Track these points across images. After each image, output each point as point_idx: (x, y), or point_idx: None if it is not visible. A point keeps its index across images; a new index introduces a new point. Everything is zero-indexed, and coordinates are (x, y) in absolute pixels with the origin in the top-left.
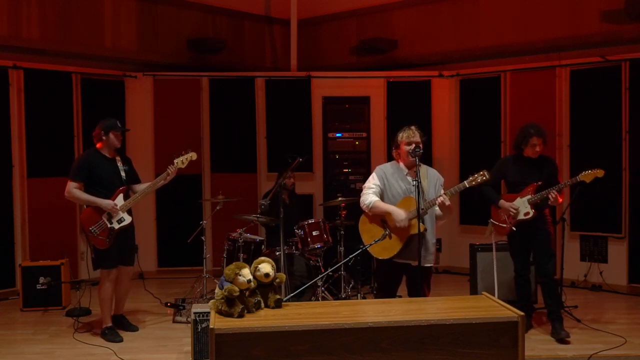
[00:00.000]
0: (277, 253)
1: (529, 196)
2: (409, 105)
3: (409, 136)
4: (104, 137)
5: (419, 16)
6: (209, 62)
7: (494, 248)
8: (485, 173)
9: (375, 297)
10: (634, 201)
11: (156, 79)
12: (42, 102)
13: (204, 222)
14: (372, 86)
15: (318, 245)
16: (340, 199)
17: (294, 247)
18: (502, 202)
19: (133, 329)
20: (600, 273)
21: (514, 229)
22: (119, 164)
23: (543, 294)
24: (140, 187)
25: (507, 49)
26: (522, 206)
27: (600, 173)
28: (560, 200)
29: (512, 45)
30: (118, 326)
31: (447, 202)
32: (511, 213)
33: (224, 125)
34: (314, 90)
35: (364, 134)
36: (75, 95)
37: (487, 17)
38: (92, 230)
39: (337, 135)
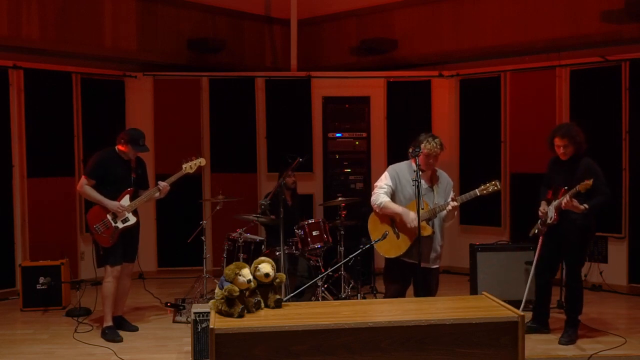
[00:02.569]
0: (277, 253)
1: (555, 201)
2: (409, 105)
3: (431, 149)
4: (122, 143)
5: (419, 16)
6: (209, 62)
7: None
8: (497, 183)
9: (385, 295)
10: (634, 201)
11: (156, 79)
12: (42, 102)
13: (204, 222)
14: (372, 86)
15: (318, 245)
16: (340, 199)
17: (294, 247)
18: (542, 203)
19: (133, 329)
20: (600, 273)
21: (539, 230)
22: (133, 166)
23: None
24: (142, 193)
25: (507, 49)
26: (550, 211)
27: (589, 184)
28: (576, 205)
29: (512, 45)
30: (118, 327)
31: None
32: (540, 215)
33: (224, 125)
34: (314, 90)
35: (364, 134)
36: (75, 95)
37: (487, 17)
38: (96, 228)
39: (337, 135)
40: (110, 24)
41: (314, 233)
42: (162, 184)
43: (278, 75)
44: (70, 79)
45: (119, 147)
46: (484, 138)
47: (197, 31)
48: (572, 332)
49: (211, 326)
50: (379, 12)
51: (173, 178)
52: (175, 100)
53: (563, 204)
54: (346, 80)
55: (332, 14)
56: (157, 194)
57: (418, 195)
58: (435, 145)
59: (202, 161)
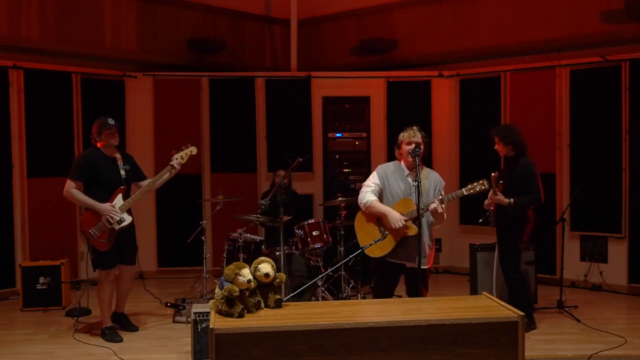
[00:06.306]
0: (277, 253)
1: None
2: (409, 105)
3: (410, 136)
4: (97, 138)
5: (419, 16)
6: (209, 62)
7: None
8: (485, 182)
9: (373, 297)
10: (634, 201)
11: (156, 79)
12: (42, 102)
13: (204, 222)
14: (372, 86)
15: (318, 245)
16: (340, 199)
17: (294, 247)
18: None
19: (133, 328)
20: (600, 273)
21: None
22: (120, 163)
23: None
24: (144, 183)
25: (507, 49)
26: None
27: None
28: (501, 198)
29: (512, 45)
30: (118, 324)
31: (440, 210)
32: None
33: (224, 125)
34: (314, 90)
35: (364, 134)
36: (75, 95)
37: (487, 17)
38: (92, 233)
39: (337, 135)
40: (110, 24)
41: (314, 233)
42: (175, 162)
43: (278, 75)
44: (70, 79)
45: (99, 145)
46: (484, 138)
47: (197, 31)
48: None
49: (211, 326)
50: (379, 12)
51: (170, 171)
52: (175, 100)
53: (489, 198)
54: (346, 80)
55: (332, 14)
56: (168, 175)
57: (418, 195)
58: (412, 132)
59: (193, 150)
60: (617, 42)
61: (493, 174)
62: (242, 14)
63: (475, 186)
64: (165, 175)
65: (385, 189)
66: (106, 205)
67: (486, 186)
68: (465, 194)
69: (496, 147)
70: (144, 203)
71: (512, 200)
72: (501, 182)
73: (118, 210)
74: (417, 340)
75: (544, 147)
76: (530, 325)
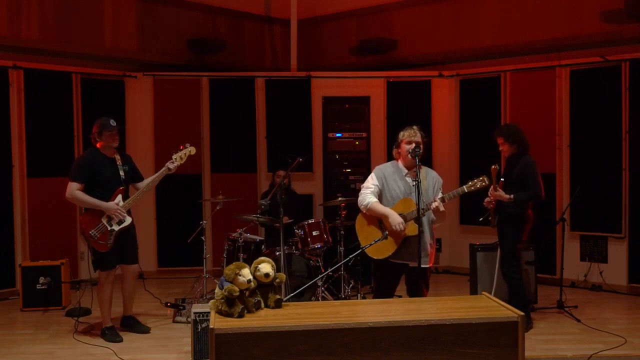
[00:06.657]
0: (277, 253)
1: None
2: (409, 105)
3: (410, 135)
4: (98, 139)
5: (419, 16)
6: (209, 62)
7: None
8: (485, 179)
9: (373, 297)
10: (634, 201)
11: (156, 79)
12: (42, 102)
13: (204, 222)
14: (372, 86)
15: (318, 245)
16: (340, 199)
17: (294, 247)
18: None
19: (144, 329)
20: (600, 273)
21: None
22: (119, 164)
23: None
24: (142, 184)
25: (507, 49)
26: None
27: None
28: (501, 194)
29: (512, 45)
30: (128, 327)
31: (441, 208)
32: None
33: (224, 125)
34: (314, 90)
35: (364, 134)
36: (75, 95)
37: (487, 17)
38: (93, 234)
39: (337, 135)
40: (110, 24)
41: (314, 233)
42: (171, 164)
43: (278, 75)
44: (70, 79)
45: (99, 145)
46: (484, 138)
47: (197, 31)
48: None
49: (211, 326)
50: (379, 12)
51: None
52: (175, 100)
53: (489, 194)
54: (346, 80)
55: (332, 14)
56: (166, 173)
57: (418, 195)
58: (413, 131)
59: (192, 150)
60: (617, 42)
61: (493, 167)
62: (242, 14)
63: (476, 183)
64: (159, 179)
65: (384, 189)
66: (112, 204)
67: (486, 182)
68: (466, 191)
69: (501, 148)
70: (144, 203)
71: (511, 195)
72: (502, 179)
73: (122, 209)
74: (417, 340)
75: (544, 147)
76: (527, 324)
